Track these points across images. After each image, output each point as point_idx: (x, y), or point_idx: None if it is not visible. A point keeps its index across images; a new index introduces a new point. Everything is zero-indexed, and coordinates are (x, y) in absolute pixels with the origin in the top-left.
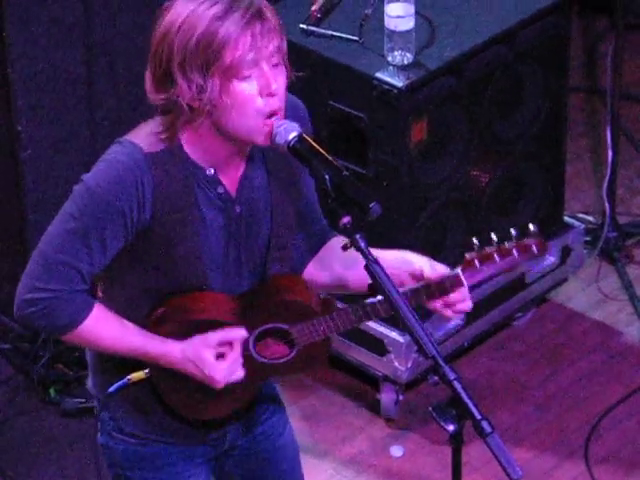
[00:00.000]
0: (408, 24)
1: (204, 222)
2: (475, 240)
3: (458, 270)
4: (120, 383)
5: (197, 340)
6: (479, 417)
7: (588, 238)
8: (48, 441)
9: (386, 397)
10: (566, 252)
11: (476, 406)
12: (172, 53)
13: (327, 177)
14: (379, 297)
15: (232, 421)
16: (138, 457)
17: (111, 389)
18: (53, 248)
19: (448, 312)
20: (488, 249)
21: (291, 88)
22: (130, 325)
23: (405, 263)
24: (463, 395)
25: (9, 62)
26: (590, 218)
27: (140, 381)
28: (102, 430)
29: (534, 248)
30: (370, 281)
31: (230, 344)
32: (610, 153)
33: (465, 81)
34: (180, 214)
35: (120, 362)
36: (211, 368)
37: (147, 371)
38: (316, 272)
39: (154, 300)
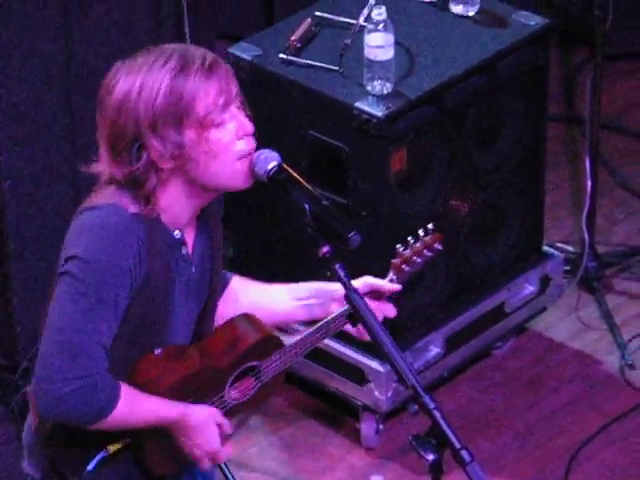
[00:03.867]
0: (388, 54)
1: (174, 284)
2: (399, 247)
3: (393, 276)
4: (99, 457)
5: (211, 410)
6: (459, 446)
7: (567, 267)
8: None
9: (366, 426)
10: (545, 282)
11: (456, 435)
12: (138, 118)
13: (307, 207)
14: (332, 315)
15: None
16: None
17: (90, 467)
18: (74, 332)
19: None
20: (406, 253)
21: (272, 118)
22: (150, 395)
23: (330, 292)
24: (442, 424)
25: None
26: (569, 248)
27: (119, 450)
28: None
29: (436, 245)
30: (350, 310)
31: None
32: (589, 183)
33: (444, 111)
34: (161, 276)
35: (85, 435)
36: (213, 444)
37: (128, 439)
38: (226, 312)
39: (121, 361)
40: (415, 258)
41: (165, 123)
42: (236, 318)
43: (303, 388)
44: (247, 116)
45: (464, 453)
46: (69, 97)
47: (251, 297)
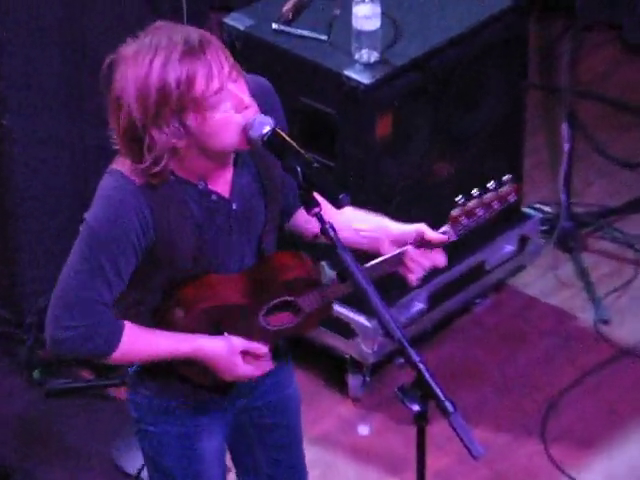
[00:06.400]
0: (375, 24)
1: (203, 229)
2: (460, 198)
3: (448, 228)
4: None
5: (228, 341)
6: (443, 397)
7: (545, 227)
8: (32, 422)
9: (353, 378)
10: (524, 241)
11: (440, 387)
12: (137, 117)
13: (299, 169)
14: (375, 261)
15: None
16: (162, 411)
17: (132, 370)
18: (72, 289)
19: (416, 275)
20: (471, 204)
21: None
22: (160, 333)
23: (385, 229)
24: (427, 376)
25: None
26: (547, 208)
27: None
28: (130, 386)
29: (511, 197)
30: (340, 267)
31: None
32: (566, 146)
33: (429, 78)
34: (181, 231)
35: None
36: (239, 370)
37: None
38: (305, 221)
39: (161, 294)
40: (479, 210)
41: (165, 117)
42: (282, 252)
43: (293, 342)
44: (244, 84)
45: (447, 404)
46: (76, 63)
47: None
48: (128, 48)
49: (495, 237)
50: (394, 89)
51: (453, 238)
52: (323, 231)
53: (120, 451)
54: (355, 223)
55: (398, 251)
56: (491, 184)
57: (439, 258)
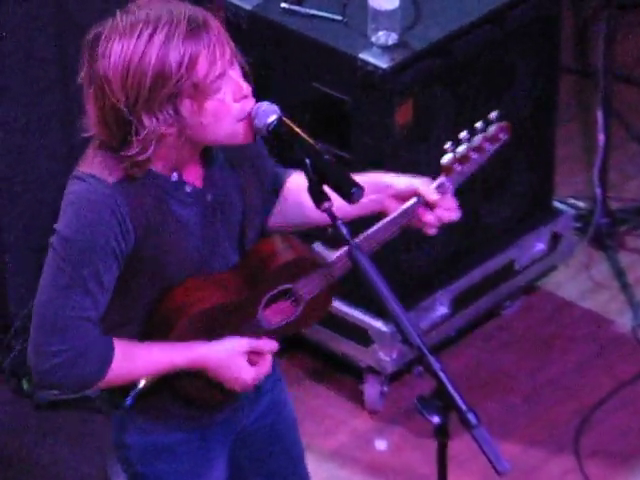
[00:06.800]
0: (393, 3)
1: (182, 224)
2: (448, 144)
3: (443, 179)
4: (136, 390)
5: (229, 345)
6: (465, 409)
7: (579, 224)
8: (21, 433)
9: (370, 389)
10: (556, 239)
11: (462, 397)
12: (128, 99)
13: (308, 161)
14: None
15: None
16: (156, 449)
17: (129, 401)
18: (52, 309)
19: (432, 225)
20: (462, 149)
21: (273, 70)
22: (153, 345)
23: (386, 187)
24: (448, 386)
25: None
26: (580, 203)
27: (153, 382)
28: (117, 428)
29: (501, 135)
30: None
31: (259, 353)
32: (602, 136)
33: (452, 62)
34: (160, 227)
35: None
36: (246, 373)
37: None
38: (283, 215)
39: (149, 307)
40: (473, 154)
41: (158, 101)
42: (267, 238)
43: (305, 349)
44: (244, 72)
45: (470, 416)
46: (61, 46)
47: (305, 194)
48: (120, 21)
49: (525, 234)
50: (414, 74)
51: (451, 190)
52: (334, 228)
53: (115, 467)
54: None
55: (404, 207)
56: (479, 124)
57: (449, 211)
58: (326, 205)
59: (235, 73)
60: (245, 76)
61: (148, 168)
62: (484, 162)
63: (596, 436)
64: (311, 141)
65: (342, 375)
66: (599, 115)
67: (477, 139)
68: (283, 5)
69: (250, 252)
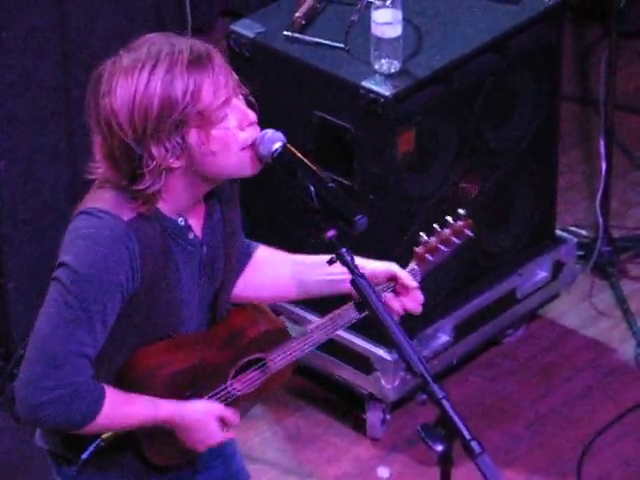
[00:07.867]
0: (395, 31)
1: (180, 273)
2: (422, 234)
3: (415, 266)
4: (93, 446)
5: (206, 406)
6: (468, 437)
7: (581, 252)
8: (24, 460)
9: (372, 417)
10: (558, 267)
11: (465, 425)
12: (135, 132)
13: (312, 189)
14: (348, 305)
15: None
16: None
17: (84, 456)
18: (56, 343)
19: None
20: (432, 240)
21: (276, 98)
22: (137, 396)
23: (361, 268)
24: (452, 414)
25: None
26: (583, 232)
27: (115, 439)
28: None
29: (467, 231)
30: (357, 297)
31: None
32: (603, 164)
33: (454, 90)
34: (162, 272)
35: None
36: (214, 438)
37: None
38: (247, 287)
39: (125, 357)
40: (441, 246)
41: (166, 131)
42: (243, 308)
43: (307, 376)
44: (248, 102)
45: (474, 444)
46: (65, 75)
47: (277, 268)
48: (123, 59)
49: (527, 262)
50: (417, 102)
51: (418, 279)
52: (338, 256)
53: None
54: (316, 267)
55: (342, 310)
56: (449, 218)
57: (415, 302)
58: (329, 234)
59: (239, 102)
60: (250, 105)
61: (157, 208)
62: (448, 255)
63: (599, 464)
64: (315, 168)
65: (344, 402)
66: (601, 143)
67: (445, 232)
68: (286, 33)
69: (226, 318)
